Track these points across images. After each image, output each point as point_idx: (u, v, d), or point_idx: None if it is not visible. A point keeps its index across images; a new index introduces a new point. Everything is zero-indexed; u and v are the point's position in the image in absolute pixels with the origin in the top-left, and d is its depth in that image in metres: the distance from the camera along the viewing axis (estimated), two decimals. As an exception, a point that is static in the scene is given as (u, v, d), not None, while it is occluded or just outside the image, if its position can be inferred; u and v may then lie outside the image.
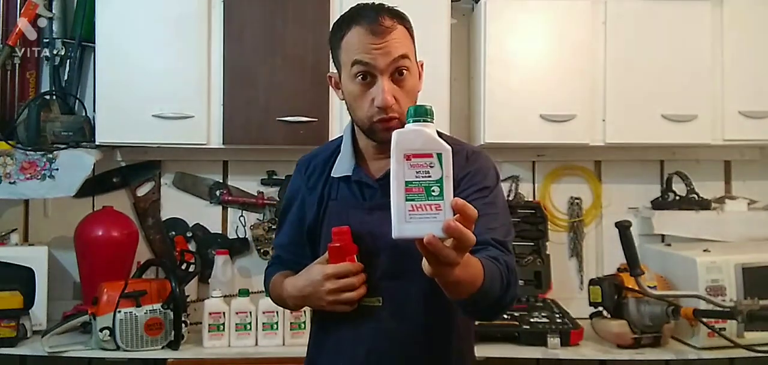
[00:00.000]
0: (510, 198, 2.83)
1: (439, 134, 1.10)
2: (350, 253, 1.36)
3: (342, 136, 1.51)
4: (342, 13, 1.39)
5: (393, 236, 0.97)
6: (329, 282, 1.35)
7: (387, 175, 1.30)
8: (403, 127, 1.01)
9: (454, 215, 0.94)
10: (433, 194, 0.96)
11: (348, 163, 1.44)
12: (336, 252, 1.36)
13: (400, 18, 1.37)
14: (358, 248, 1.37)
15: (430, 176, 0.96)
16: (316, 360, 1.51)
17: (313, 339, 1.55)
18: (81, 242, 2.55)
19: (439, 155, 0.96)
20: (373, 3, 1.38)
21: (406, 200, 0.96)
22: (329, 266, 1.36)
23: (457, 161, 1.25)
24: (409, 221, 0.96)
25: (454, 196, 0.99)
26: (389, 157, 1.06)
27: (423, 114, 1.00)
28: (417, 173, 0.96)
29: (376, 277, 1.38)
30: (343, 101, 1.42)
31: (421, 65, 1.43)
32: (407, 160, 0.97)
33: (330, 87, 1.49)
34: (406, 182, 0.96)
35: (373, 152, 1.44)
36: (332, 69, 1.46)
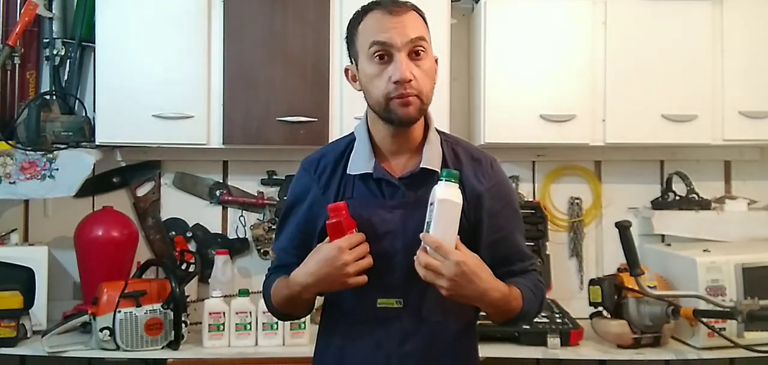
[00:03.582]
0: (510, 198, 2.84)
1: (457, 141, 1.50)
2: (350, 228, 1.34)
3: (349, 135, 1.48)
4: (356, 10, 1.42)
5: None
6: (347, 253, 1.30)
7: (411, 175, 1.38)
8: (418, 116, 1.35)
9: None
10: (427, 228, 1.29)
11: (367, 160, 1.40)
12: (337, 228, 1.33)
13: (415, 7, 1.40)
14: (365, 234, 1.36)
15: (429, 217, 1.29)
16: None
17: (321, 348, 1.49)
18: (81, 242, 2.55)
19: (433, 204, 1.29)
20: None
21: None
22: (343, 239, 1.32)
23: (481, 168, 1.46)
24: None
25: (487, 207, 1.40)
26: (408, 153, 1.41)
27: (450, 177, 1.30)
28: (428, 214, 1.29)
29: (396, 277, 1.36)
30: (360, 91, 1.41)
31: (436, 61, 1.42)
32: (429, 206, 1.29)
33: (346, 80, 1.48)
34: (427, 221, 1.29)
35: (390, 145, 1.41)
36: (348, 63, 1.46)
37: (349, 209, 1.36)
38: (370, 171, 1.39)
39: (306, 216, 1.45)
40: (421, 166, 1.38)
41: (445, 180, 1.28)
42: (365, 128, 1.43)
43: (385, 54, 1.33)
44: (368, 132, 1.43)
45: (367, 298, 1.37)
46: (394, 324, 1.37)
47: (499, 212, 1.43)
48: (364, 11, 1.38)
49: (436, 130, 1.46)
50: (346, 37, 1.43)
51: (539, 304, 1.45)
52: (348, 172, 1.41)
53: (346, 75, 1.45)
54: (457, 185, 1.29)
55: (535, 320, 2.31)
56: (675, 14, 2.53)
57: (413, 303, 1.36)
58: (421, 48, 1.35)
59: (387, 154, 1.42)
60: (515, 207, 1.49)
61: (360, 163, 1.40)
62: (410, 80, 1.31)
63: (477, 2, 2.62)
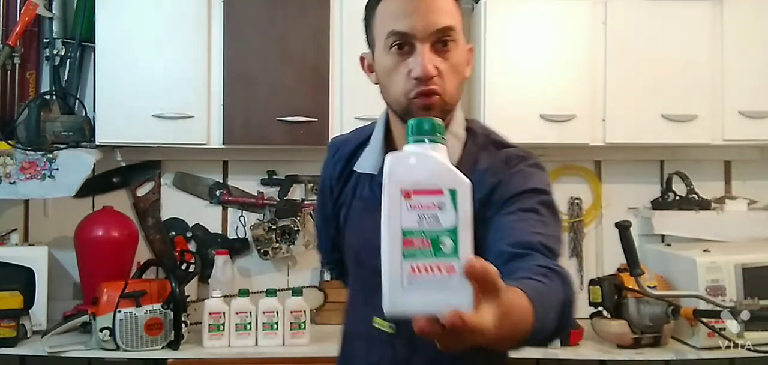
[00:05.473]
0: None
1: (498, 143, 1.12)
2: None
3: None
4: None
5: (384, 310, 0.68)
6: None
7: None
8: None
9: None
10: (443, 250, 0.66)
11: (375, 159, 1.23)
12: None
13: None
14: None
15: (439, 224, 0.66)
16: None
17: (339, 354, 1.41)
18: (81, 242, 2.55)
19: (453, 193, 0.66)
20: None
21: (405, 257, 0.66)
22: None
23: (508, 163, 1.14)
24: (409, 288, 0.66)
25: (496, 197, 0.97)
26: None
27: (429, 131, 0.70)
28: (420, 218, 0.66)
29: None
30: (377, 85, 1.21)
31: (471, 50, 1.20)
32: (406, 197, 0.66)
33: (362, 71, 1.27)
34: (403, 231, 0.66)
35: None
36: (365, 50, 1.25)
37: (353, 212, 1.27)
38: (375, 173, 1.23)
39: (330, 208, 1.35)
40: None
41: (422, 139, 0.70)
42: (383, 125, 1.26)
43: (404, 43, 1.12)
44: (385, 129, 1.26)
45: (365, 315, 1.26)
46: (387, 348, 1.24)
47: (513, 196, 1.12)
48: None
49: (472, 128, 1.24)
50: (364, 18, 1.21)
51: (564, 308, 0.95)
52: (354, 168, 1.28)
53: (362, 64, 1.25)
54: (443, 143, 0.72)
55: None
56: (675, 14, 2.53)
57: (406, 331, 1.06)
58: (449, 37, 1.12)
59: None
60: (544, 203, 1.12)
61: (368, 161, 1.26)
62: (432, 77, 1.10)
63: (477, 2, 2.62)
